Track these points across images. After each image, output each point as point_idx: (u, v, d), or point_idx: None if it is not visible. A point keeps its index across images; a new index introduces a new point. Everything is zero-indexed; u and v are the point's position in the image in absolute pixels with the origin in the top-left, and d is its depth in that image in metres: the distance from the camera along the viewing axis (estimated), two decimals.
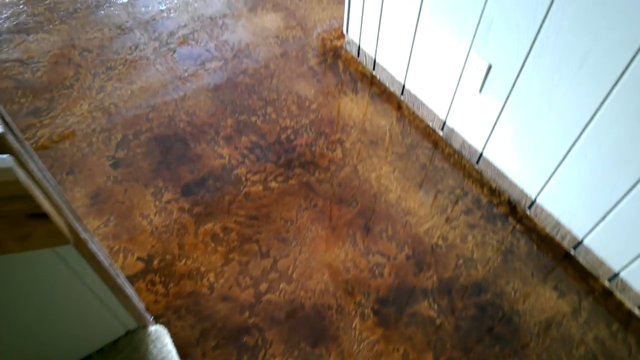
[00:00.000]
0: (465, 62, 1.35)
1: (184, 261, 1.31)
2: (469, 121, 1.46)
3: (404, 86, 1.68)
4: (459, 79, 1.41)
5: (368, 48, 1.76)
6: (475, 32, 1.26)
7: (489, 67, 1.28)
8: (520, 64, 1.18)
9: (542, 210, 1.32)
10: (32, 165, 0.57)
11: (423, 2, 1.38)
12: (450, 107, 1.51)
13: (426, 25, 1.42)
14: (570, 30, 1.02)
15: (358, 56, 1.85)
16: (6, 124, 0.59)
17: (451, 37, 1.35)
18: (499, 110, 1.32)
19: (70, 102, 1.68)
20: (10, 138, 0.53)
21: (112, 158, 1.53)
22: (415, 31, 1.47)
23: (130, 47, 1.87)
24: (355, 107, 1.72)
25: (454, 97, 1.47)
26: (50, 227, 0.55)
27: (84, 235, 0.68)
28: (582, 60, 1.03)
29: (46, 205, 0.53)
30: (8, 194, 0.49)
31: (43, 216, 0.53)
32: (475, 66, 1.32)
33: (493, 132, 1.39)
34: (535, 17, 1.08)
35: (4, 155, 0.50)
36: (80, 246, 0.64)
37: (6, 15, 2.00)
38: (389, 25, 1.59)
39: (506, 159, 1.40)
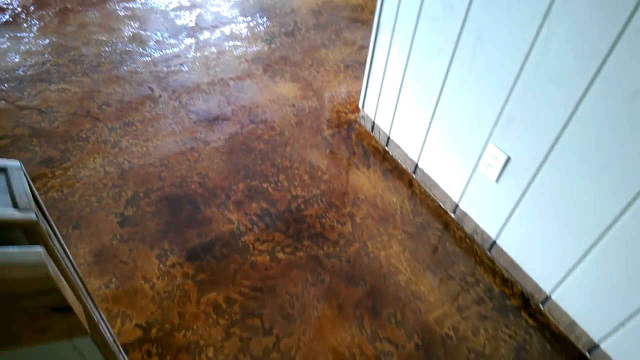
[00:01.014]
0: (483, 150, 1.36)
1: (183, 332, 1.25)
2: (483, 207, 1.46)
3: (416, 165, 1.70)
4: (475, 165, 1.42)
5: (382, 124, 1.80)
6: (495, 124, 1.29)
7: (508, 159, 1.29)
8: (541, 160, 1.20)
9: (557, 307, 1.29)
10: (58, 251, 0.55)
11: (443, 89, 1.42)
12: (464, 191, 1.51)
13: (445, 110, 1.46)
14: (596, 132, 1.05)
15: (372, 131, 1.88)
16: (39, 207, 0.58)
17: (469, 124, 1.38)
18: (516, 201, 1.32)
19: (84, 154, 1.68)
20: (43, 227, 0.52)
21: (121, 215, 1.50)
22: (433, 114, 1.51)
23: (149, 105, 1.90)
24: (366, 181, 1.72)
25: (468, 182, 1.48)
26: (72, 321, 0.52)
27: (97, 318, 0.64)
28: (607, 163, 1.04)
29: (71, 298, 0.51)
30: (35, 289, 0.47)
31: (66, 309, 0.50)
32: (493, 156, 1.33)
33: (508, 222, 1.38)
34: (559, 119, 1.11)
35: (36, 247, 0.48)
36: (96, 336, 0.61)
37: (31, 63, 2.05)
38: (407, 105, 1.63)
39: (521, 249, 1.38)
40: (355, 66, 2.23)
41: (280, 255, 1.46)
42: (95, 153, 1.69)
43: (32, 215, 0.51)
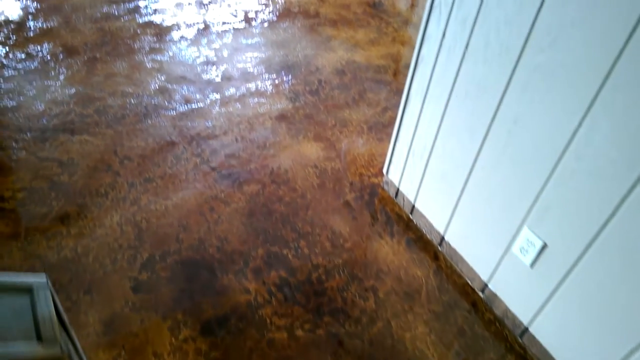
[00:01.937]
0: (517, 232, 1.30)
1: None
2: (515, 290, 1.38)
3: (443, 237, 1.63)
4: (508, 247, 1.35)
5: (407, 192, 1.75)
6: (530, 209, 1.23)
7: (544, 246, 1.23)
8: (581, 252, 1.13)
9: None
10: None
11: (475, 166, 1.38)
12: (494, 271, 1.44)
13: (476, 187, 1.41)
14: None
15: (396, 197, 1.83)
16: (63, 325, 0.52)
17: (502, 205, 1.32)
18: (552, 289, 1.25)
19: (102, 211, 1.64)
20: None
21: (135, 280, 1.44)
22: (463, 190, 1.46)
23: (172, 161, 1.88)
24: (390, 251, 1.66)
25: (499, 262, 1.41)
26: None
27: None
28: None
29: None
30: None
31: None
32: (527, 240, 1.27)
33: (543, 309, 1.30)
34: (601, 213, 1.05)
35: None
36: None
37: (55, 112, 2.05)
38: (434, 176, 1.58)
39: (556, 340, 1.29)
40: (379, 128, 2.22)
41: (299, 332, 1.38)
42: (113, 210, 1.65)
43: (56, 351, 0.45)
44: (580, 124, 1.04)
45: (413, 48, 2.88)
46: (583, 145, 1.05)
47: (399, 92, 2.48)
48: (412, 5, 3.48)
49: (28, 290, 0.53)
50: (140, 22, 2.76)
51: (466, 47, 1.28)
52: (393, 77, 2.61)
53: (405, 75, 2.62)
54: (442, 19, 1.34)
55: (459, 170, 1.45)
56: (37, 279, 0.55)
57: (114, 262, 1.48)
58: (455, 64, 1.34)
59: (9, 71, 2.26)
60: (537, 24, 1.07)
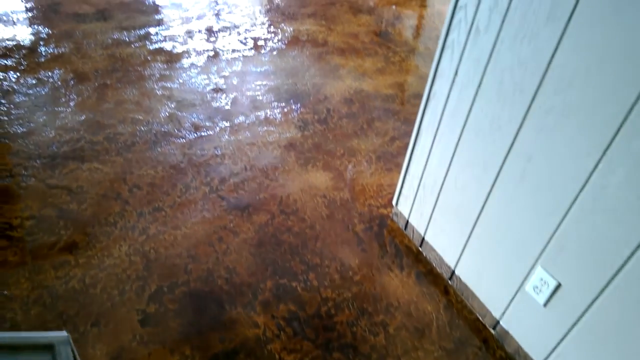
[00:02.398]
0: (530, 271, 1.29)
1: None
2: (528, 329, 1.36)
3: (453, 271, 1.62)
4: (521, 285, 1.34)
5: (417, 224, 1.74)
6: (544, 248, 1.22)
7: (558, 285, 1.21)
8: (597, 293, 1.12)
9: None
10: None
11: (487, 202, 1.38)
12: (506, 308, 1.42)
13: (488, 223, 1.40)
14: None
15: (405, 229, 1.82)
16: None
17: (515, 242, 1.32)
18: (566, 330, 1.23)
19: (111, 241, 1.63)
20: None
21: (142, 313, 1.43)
22: (475, 225, 1.45)
23: (181, 189, 1.88)
24: (400, 285, 1.64)
25: (512, 300, 1.39)
26: None
27: None
28: None
29: None
30: None
31: None
32: (541, 279, 1.26)
33: (557, 349, 1.28)
34: (618, 256, 1.04)
35: None
36: None
37: (65, 139, 2.07)
38: (445, 210, 1.58)
39: None
40: (387, 158, 2.22)
41: None
42: (122, 240, 1.64)
43: None
44: (595, 167, 1.05)
45: (420, 77, 2.91)
46: (599, 187, 1.05)
47: (407, 122, 2.49)
48: (417, 35, 3.53)
49: (49, 347, 0.52)
50: (151, 48, 2.80)
51: (479, 85, 1.30)
52: (401, 106, 2.63)
53: (413, 105, 2.65)
54: (454, 58, 1.36)
55: (471, 205, 1.45)
56: (58, 335, 0.54)
57: (122, 294, 1.47)
58: (468, 101, 1.35)
59: (20, 97, 2.28)
60: (551, 68, 1.09)
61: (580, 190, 1.10)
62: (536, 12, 1.08)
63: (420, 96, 2.75)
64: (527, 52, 1.14)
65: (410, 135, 2.39)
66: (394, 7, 3.95)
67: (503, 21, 1.17)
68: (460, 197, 1.48)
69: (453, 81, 1.39)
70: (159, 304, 1.46)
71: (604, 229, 1.06)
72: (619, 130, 0.98)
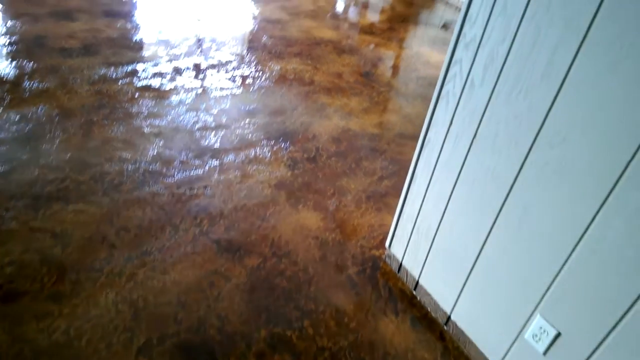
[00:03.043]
0: (529, 319, 1.30)
1: None
2: None
3: (449, 317, 1.61)
4: (519, 333, 1.34)
5: (411, 267, 1.74)
6: (543, 296, 1.24)
7: (558, 334, 1.22)
8: (598, 342, 1.13)
9: None
10: None
11: (484, 249, 1.39)
12: (504, 356, 1.41)
13: (485, 269, 1.41)
14: None
15: (398, 272, 1.82)
16: None
17: (513, 290, 1.32)
18: None
19: (97, 288, 1.57)
20: None
21: None
22: (471, 271, 1.46)
23: (170, 231, 1.84)
24: (396, 331, 1.62)
25: (510, 347, 1.38)
26: None
27: None
28: None
29: None
30: None
31: None
32: (540, 328, 1.26)
33: None
34: (618, 307, 1.06)
35: None
36: None
37: (49, 178, 2.01)
38: (440, 254, 1.58)
39: None
40: (377, 197, 2.23)
41: None
42: (109, 287, 1.58)
43: None
44: (593, 220, 1.07)
45: (403, 117, 2.98)
46: (596, 239, 1.08)
47: (394, 161, 2.53)
48: (399, 75, 3.63)
49: None
50: (138, 85, 2.79)
51: (474, 136, 1.33)
52: (387, 145, 2.67)
53: (398, 145, 2.69)
54: (449, 108, 1.40)
55: (467, 251, 1.46)
56: None
57: (108, 347, 1.40)
58: (463, 150, 1.38)
59: (2, 133, 2.22)
60: (547, 122, 1.12)
61: (578, 242, 1.12)
62: (531, 70, 1.13)
63: (405, 136, 2.80)
64: (522, 107, 1.18)
65: (397, 175, 2.42)
66: (372, 46, 4.06)
67: (498, 77, 1.22)
68: (456, 243, 1.49)
69: (448, 130, 1.42)
70: (148, 358, 1.39)
71: (603, 280, 1.08)
72: (616, 183, 1.01)
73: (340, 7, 5.01)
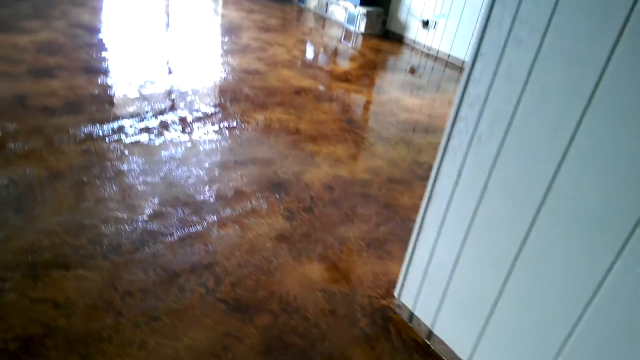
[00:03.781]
0: None
1: None
2: None
3: None
4: None
5: (424, 317, 1.76)
6: (565, 343, 1.28)
7: None
8: None
9: None
10: None
11: (500, 301, 1.43)
12: None
13: (504, 316, 1.45)
14: None
15: (410, 322, 1.83)
16: None
17: (535, 339, 1.36)
18: None
19: None
20: None
21: None
22: (489, 319, 1.49)
23: (176, 294, 1.80)
24: None
25: None
26: None
27: None
28: None
29: None
30: None
31: None
32: None
33: None
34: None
35: None
36: None
37: (45, 244, 1.94)
38: (454, 305, 1.61)
39: None
40: (377, 245, 2.27)
41: None
42: (120, 358, 1.52)
43: None
44: (611, 267, 1.14)
45: (390, 162, 3.07)
46: (617, 288, 1.14)
47: (387, 207, 2.59)
48: (379, 121, 3.76)
49: None
50: (127, 142, 2.77)
51: (484, 188, 1.40)
52: (379, 191, 2.73)
53: (389, 190, 2.76)
54: (457, 162, 1.47)
55: (483, 299, 1.49)
56: None
57: None
58: (473, 201, 1.45)
59: None
60: (558, 176, 1.20)
61: (597, 290, 1.17)
62: (539, 127, 1.22)
63: (394, 180, 2.88)
64: (532, 162, 1.26)
65: (393, 221, 2.47)
66: (352, 95, 4.21)
67: (506, 134, 1.30)
68: (472, 291, 1.53)
69: (457, 182, 1.49)
70: None
71: (624, 329, 1.14)
72: (633, 232, 1.08)
73: (310, 56, 5.19)
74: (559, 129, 1.18)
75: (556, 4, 1.11)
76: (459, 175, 1.48)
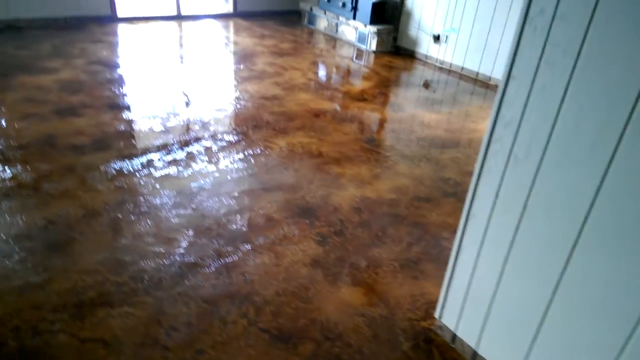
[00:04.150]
0: None
1: None
2: None
3: None
4: None
5: (467, 337, 1.75)
6: (619, 357, 1.26)
7: None
8: None
9: None
10: None
11: (546, 317, 1.42)
12: None
13: (553, 333, 1.44)
14: None
15: (453, 343, 1.82)
16: None
17: (584, 356, 1.35)
18: None
19: None
20: None
21: None
22: (536, 337, 1.48)
23: (219, 326, 1.82)
24: None
25: None
26: None
27: None
28: None
29: None
30: None
31: None
32: None
33: None
34: None
35: None
36: None
37: (88, 283, 1.99)
38: (498, 323, 1.61)
39: None
40: (410, 265, 2.27)
41: None
42: None
43: None
44: None
45: (414, 179, 3.08)
46: None
47: (417, 226, 2.59)
48: (400, 139, 3.78)
49: None
50: (157, 176, 2.83)
51: (524, 207, 1.41)
52: (406, 210, 2.74)
53: (417, 208, 2.77)
54: (494, 182, 1.48)
55: (528, 318, 1.49)
56: None
57: None
58: (513, 220, 1.45)
59: (32, 241, 2.21)
60: (601, 192, 1.21)
61: None
62: (578, 146, 1.23)
63: (420, 198, 2.88)
64: (572, 179, 1.27)
65: (424, 240, 2.48)
66: (370, 113, 4.25)
67: (544, 153, 1.31)
68: (516, 311, 1.53)
69: (494, 203, 1.50)
70: None
71: None
72: None
73: (325, 77, 5.27)
74: (599, 146, 1.19)
75: (587, 27, 1.14)
76: (497, 195, 1.49)
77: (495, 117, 1.43)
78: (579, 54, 1.17)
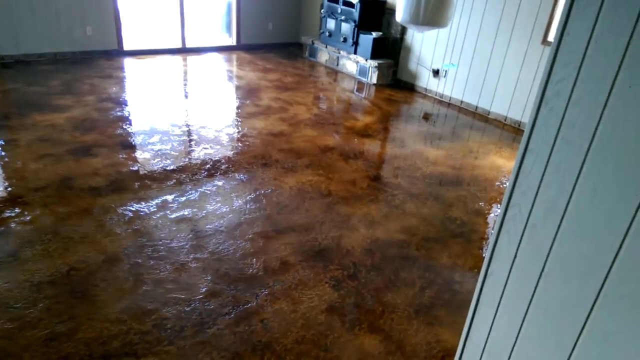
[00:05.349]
0: None
1: None
2: None
3: None
4: None
5: None
6: None
7: None
8: None
9: None
10: None
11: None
12: None
13: None
14: None
15: None
16: None
17: None
18: None
19: None
20: None
21: None
22: None
23: None
24: None
25: None
26: None
27: None
28: None
29: None
30: None
31: None
32: None
33: None
34: None
35: None
36: None
37: (113, 332, 2.03)
38: None
39: None
40: (424, 310, 2.33)
41: None
42: None
43: None
44: None
45: (423, 220, 3.17)
46: None
47: (429, 269, 2.66)
48: (406, 176, 3.88)
49: None
50: (172, 217, 2.90)
51: (542, 270, 1.49)
52: (417, 251, 2.82)
53: (427, 249, 2.85)
54: (512, 244, 1.57)
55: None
56: None
57: None
58: (531, 282, 1.53)
59: (56, 288, 2.25)
60: (617, 260, 1.29)
61: None
62: (594, 218, 1.32)
63: (430, 239, 2.96)
64: (589, 249, 1.35)
65: (436, 283, 2.55)
66: (375, 150, 4.36)
67: (560, 222, 1.40)
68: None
69: (512, 264, 1.58)
70: None
71: None
72: None
73: (329, 111, 5.39)
74: (614, 220, 1.27)
75: (602, 113, 1.24)
76: (515, 257, 1.57)
77: (513, 184, 1.52)
78: (593, 136, 1.27)
